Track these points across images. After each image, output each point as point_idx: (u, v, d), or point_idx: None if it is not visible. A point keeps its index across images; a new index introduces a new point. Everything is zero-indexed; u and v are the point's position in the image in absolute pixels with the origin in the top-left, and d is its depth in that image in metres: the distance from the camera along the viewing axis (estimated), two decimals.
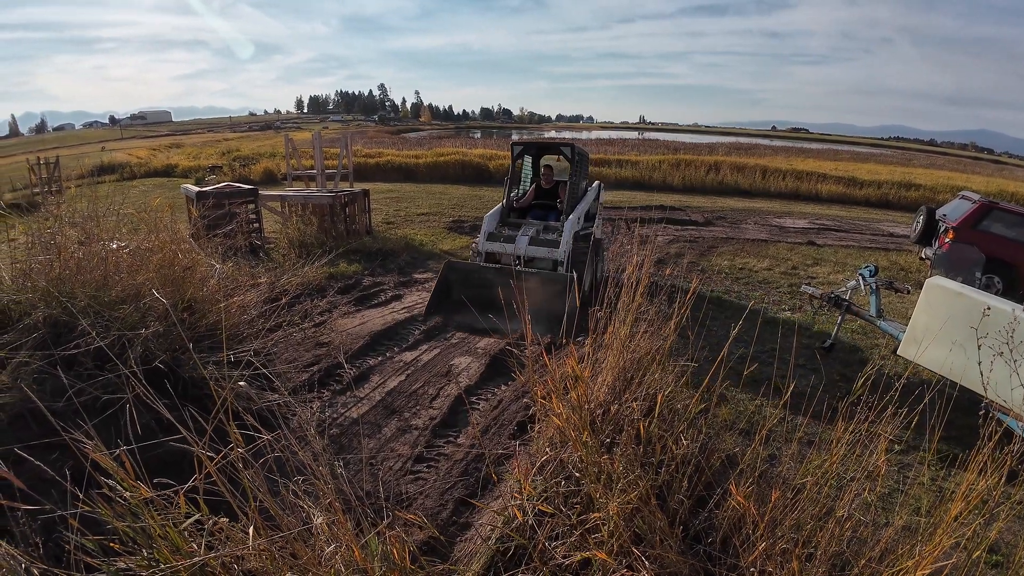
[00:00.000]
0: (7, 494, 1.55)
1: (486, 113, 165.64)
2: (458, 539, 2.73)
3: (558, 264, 6.19)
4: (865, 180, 19.73)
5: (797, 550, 1.97)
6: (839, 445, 2.10)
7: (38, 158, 17.49)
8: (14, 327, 3.26)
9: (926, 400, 3.97)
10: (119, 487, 1.61)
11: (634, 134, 66.40)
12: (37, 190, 16.79)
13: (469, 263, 6.65)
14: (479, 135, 66.07)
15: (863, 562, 2.01)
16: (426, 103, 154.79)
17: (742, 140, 48.35)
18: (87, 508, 1.58)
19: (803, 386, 4.42)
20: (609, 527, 1.96)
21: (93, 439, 1.65)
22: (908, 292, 5.54)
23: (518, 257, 6.42)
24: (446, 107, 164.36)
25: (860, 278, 5.47)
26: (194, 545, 1.61)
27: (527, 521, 2.16)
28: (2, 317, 3.39)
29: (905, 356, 4.63)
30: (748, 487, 2.12)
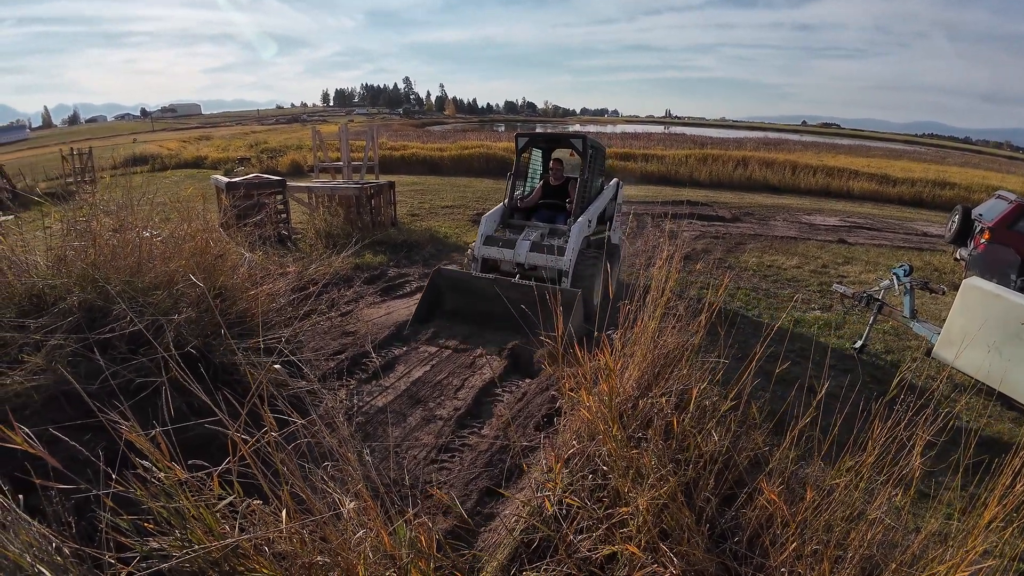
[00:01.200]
0: (41, 474, 1.59)
1: (510, 106, 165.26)
2: (483, 529, 2.74)
3: (563, 274, 5.46)
4: (898, 178, 19.18)
5: (829, 552, 1.93)
6: (873, 447, 2.04)
7: (71, 149, 18.04)
8: (49, 311, 3.34)
9: (962, 403, 3.85)
10: (154, 468, 1.64)
11: (660, 128, 65.50)
12: (71, 179, 17.32)
13: (460, 271, 5.89)
14: (503, 128, 65.87)
15: (894, 566, 1.95)
16: (450, 96, 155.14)
17: (771, 135, 47.30)
18: (121, 488, 1.61)
19: (834, 386, 4.35)
20: (637, 522, 1.94)
21: (129, 420, 1.69)
22: (943, 293, 5.38)
23: (518, 265, 5.72)
24: (470, 100, 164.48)
25: (894, 277, 5.32)
26: (226, 527, 1.63)
27: (554, 513, 2.14)
28: (38, 301, 3.48)
29: (939, 358, 4.49)
30: (778, 486, 2.07)
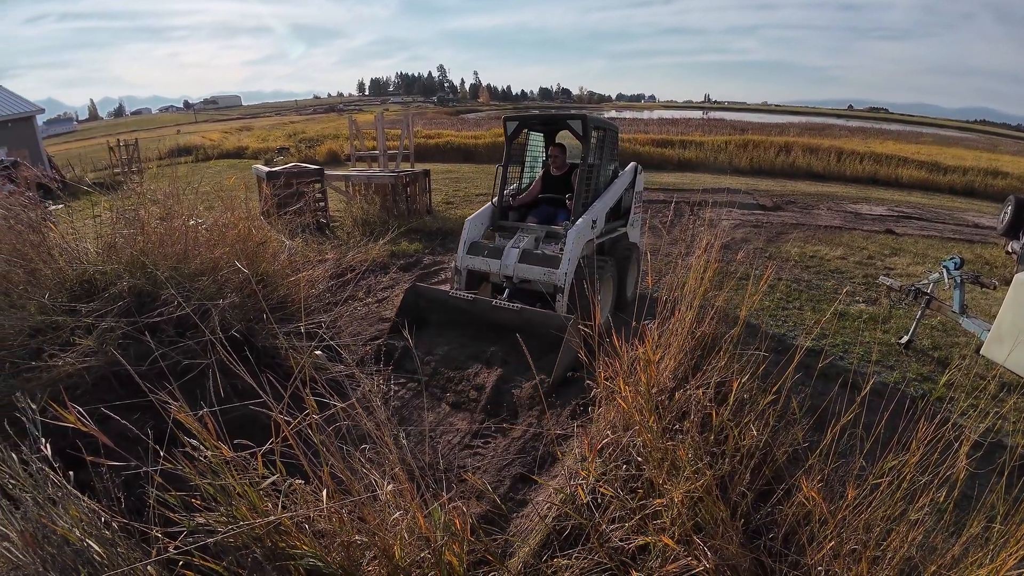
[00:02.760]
0: (91, 451, 1.67)
1: (545, 93, 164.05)
2: (515, 515, 2.77)
3: (559, 290, 4.54)
4: (949, 166, 18.20)
5: (867, 552, 1.87)
6: (917, 447, 1.96)
7: (118, 140, 18.81)
8: (100, 296, 3.50)
9: (1010, 404, 3.66)
10: (201, 447, 1.71)
11: (699, 113, 63.81)
12: (118, 170, 18.09)
13: (436, 289, 4.98)
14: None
15: (933, 568, 1.89)
16: (484, 84, 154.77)
17: (815, 120, 45.36)
18: (169, 465, 1.68)
19: (878, 383, 4.20)
20: (672, 514, 1.93)
21: (178, 400, 1.76)
22: (994, 288, 5.12)
23: (506, 278, 4.83)
24: (504, 88, 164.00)
25: (944, 271, 5.08)
26: (269, 504, 1.69)
27: (587, 501, 2.15)
28: (88, 287, 3.65)
29: (989, 356, 4.28)
30: (818, 483, 2.02)
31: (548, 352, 3.86)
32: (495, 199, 5.46)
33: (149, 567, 1.46)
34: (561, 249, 4.68)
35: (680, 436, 2.25)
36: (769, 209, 11.61)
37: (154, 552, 1.57)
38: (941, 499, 1.88)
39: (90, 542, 1.46)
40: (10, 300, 3.37)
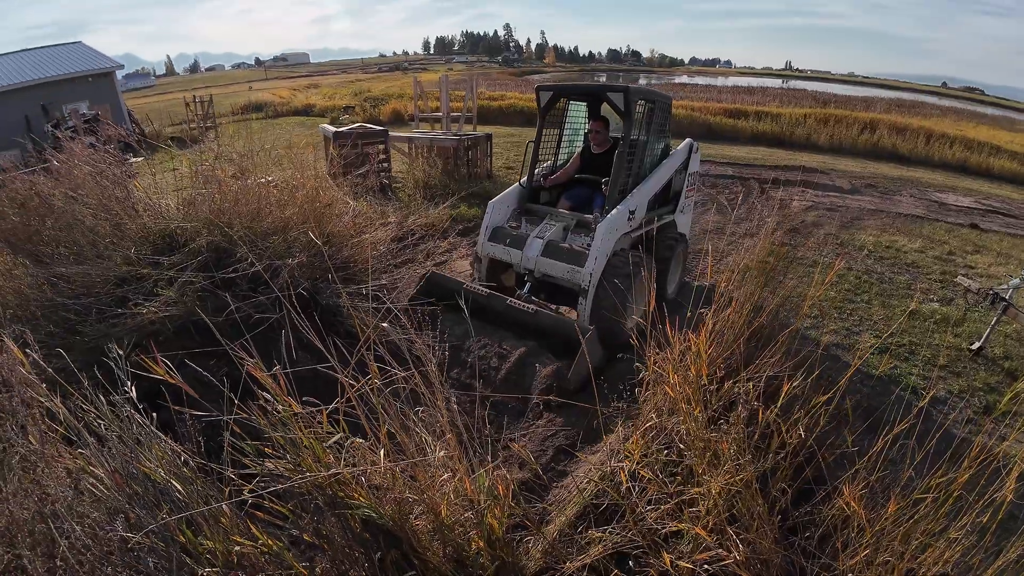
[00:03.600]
0: (171, 393, 1.84)
1: (613, 55, 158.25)
2: (555, 484, 2.88)
3: (583, 292, 4.11)
4: None
5: (902, 565, 1.86)
6: (969, 465, 1.89)
7: (194, 96, 19.65)
8: (181, 250, 3.79)
9: None
10: (273, 400, 1.87)
11: (778, 82, 59.85)
12: (194, 125, 19.05)
13: (451, 279, 4.55)
14: (604, 79, 63.37)
15: None
16: (551, 44, 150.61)
17: (905, 96, 41.45)
18: (244, 415, 1.85)
19: (940, 388, 4.00)
20: (708, 504, 1.97)
21: (253, 355, 1.93)
22: None
23: (528, 271, 4.42)
24: (571, 48, 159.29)
25: None
26: (331, 457, 1.85)
27: (627, 482, 2.21)
28: (171, 240, 3.94)
29: None
30: (860, 489, 2.00)
31: (571, 351, 3.63)
32: (522, 180, 5.00)
33: (224, 505, 1.64)
34: (591, 243, 4.19)
35: (725, 427, 2.27)
36: (846, 192, 10.92)
37: (227, 492, 1.76)
38: (985, 520, 1.83)
39: (172, 481, 1.65)
40: (97, 251, 3.69)
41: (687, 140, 5.46)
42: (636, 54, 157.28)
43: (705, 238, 6.80)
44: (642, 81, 56.29)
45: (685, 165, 5.36)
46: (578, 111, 5.47)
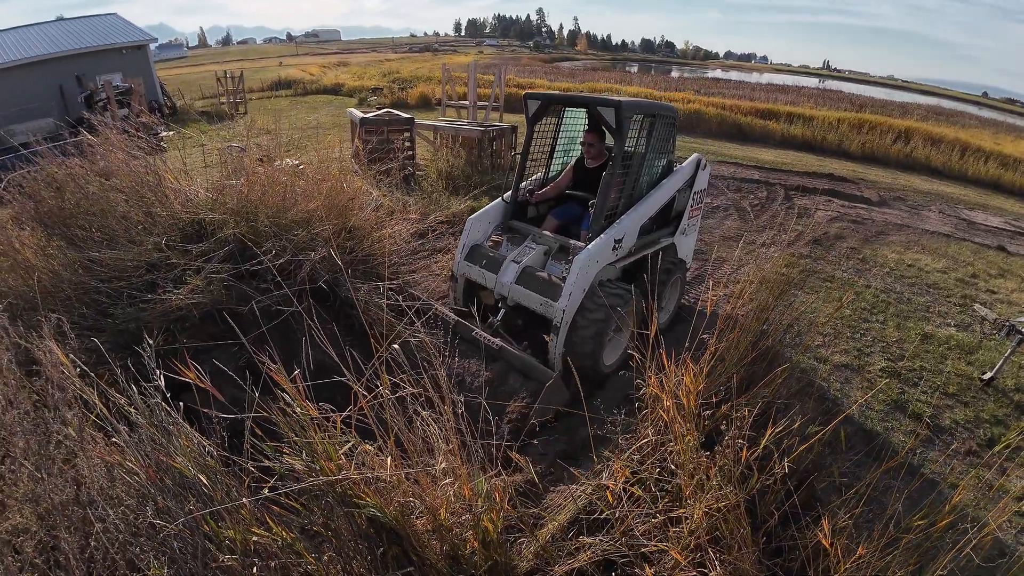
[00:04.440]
0: (199, 388, 1.96)
1: (647, 45, 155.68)
2: (551, 490, 3.00)
3: (554, 328, 3.80)
4: None
5: None
6: (950, 509, 1.96)
7: (225, 72, 19.90)
8: (209, 239, 3.93)
9: None
10: (293, 403, 2.00)
11: (814, 81, 58.30)
12: (224, 100, 19.34)
13: (423, 300, 4.14)
14: (635, 69, 62.41)
15: None
16: (583, 31, 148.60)
17: (944, 103, 40.08)
18: (264, 413, 1.97)
19: (946, 418, 4.02)
20: (690, 525, 2.07)
21: (272, 349, 2.06)
22: None
23: (502, 297, 4.18)
24: (604, 36, 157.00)
25: None
26: (343, 459, 1.98)
27: (613, 499, 2.32)
28: (199, 228, 4.08)
29: None
30: (845, 520, 2.07)
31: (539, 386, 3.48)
32: (505, 196, 4.64)
33: (245, 500, 1.78)
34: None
35: (718, 450, 2.35)
36: (873, 204, 10.73)
37: (247, 484, 1.91)
38: (963, 559, 1.89)
39: (199, 475, 1.79)
40: (129, 236, 3.85)
41: (694, 156, 5.02)
42: (670, 45, 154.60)
43: (714, 246, 6.79)
44: (674, 73, 55.13)
45: (690, 183, 4.92)
46: (576, 118, 5.04)
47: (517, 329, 4.29)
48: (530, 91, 4.89)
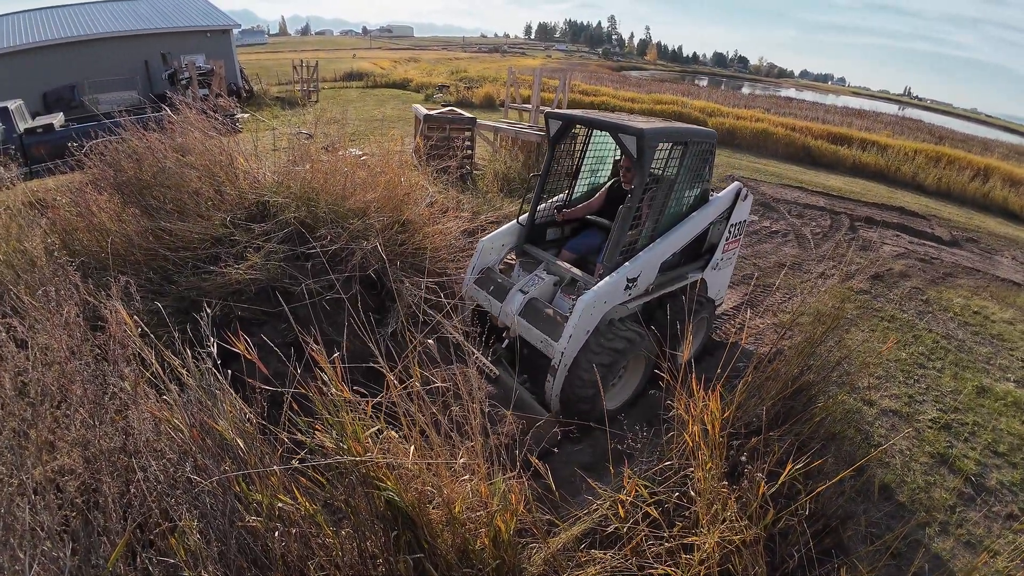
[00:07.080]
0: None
1: (719, 59, 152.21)
2: (568, 499, 3.01)
3: (552, 370, 3.63)
4: None
5: None
6: (986, 558, 1.86)
7: (301, 60, 20.77)
8: (270, 220, 4.16)
9: None
10: (329, 384, 2.11)
11: (893, 108, 55.39)
12: (298, 88, 20.19)
13: (430, 314, 4.01)
14: (705, 83, 60.98)
15: None
16: (654, 41, 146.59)
17: None
18: (303, 390, 2.09)
19: (992, 477, 3.78)
20: (701, 555, 2.05)
21: (319, 344, 2.17)
22: None
23: (505, 328, 4.07)
24: (675, 47, 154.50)
25: None
26: (370, 441, 2.07)
27: (626, 517, 2.32)
28: (263, 209, 4.32)
29: None
30: (867, 572, 2.01)
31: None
32: (520, 219, 4.47)
33: (276, 468, 1.91)
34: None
35: (743, 483, 2.32)
36: (944, 243, 10.14)
37: (279, 451, 2.03)
38: None
39: (238, 439, 1.93)
40: (199, 211, 4.13)
41: (734, 184, 4.59)
42: (743, 60, 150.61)
43: (768, 272, 6.57)
44: (745, 90, 53.43)
45: (727, 215, 4.55)
46: (606, 138, 4.66)
47: (522, 357, 4.04)
48: (551, 110, 4.63)
